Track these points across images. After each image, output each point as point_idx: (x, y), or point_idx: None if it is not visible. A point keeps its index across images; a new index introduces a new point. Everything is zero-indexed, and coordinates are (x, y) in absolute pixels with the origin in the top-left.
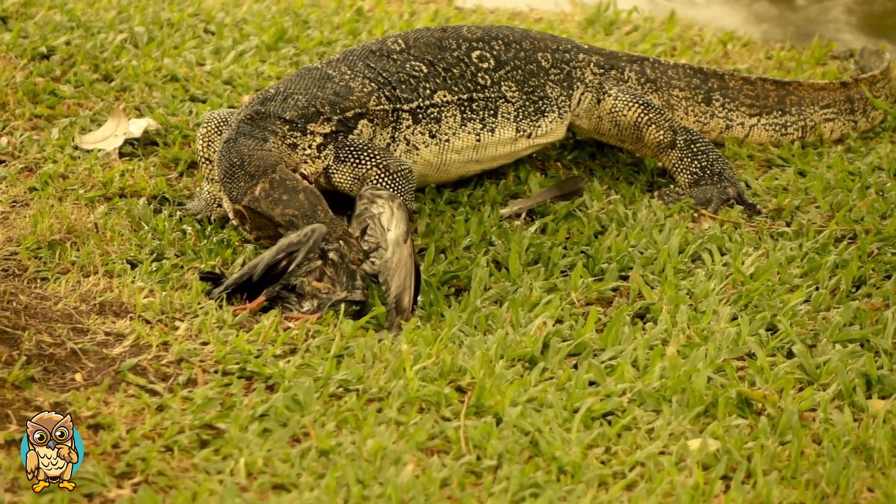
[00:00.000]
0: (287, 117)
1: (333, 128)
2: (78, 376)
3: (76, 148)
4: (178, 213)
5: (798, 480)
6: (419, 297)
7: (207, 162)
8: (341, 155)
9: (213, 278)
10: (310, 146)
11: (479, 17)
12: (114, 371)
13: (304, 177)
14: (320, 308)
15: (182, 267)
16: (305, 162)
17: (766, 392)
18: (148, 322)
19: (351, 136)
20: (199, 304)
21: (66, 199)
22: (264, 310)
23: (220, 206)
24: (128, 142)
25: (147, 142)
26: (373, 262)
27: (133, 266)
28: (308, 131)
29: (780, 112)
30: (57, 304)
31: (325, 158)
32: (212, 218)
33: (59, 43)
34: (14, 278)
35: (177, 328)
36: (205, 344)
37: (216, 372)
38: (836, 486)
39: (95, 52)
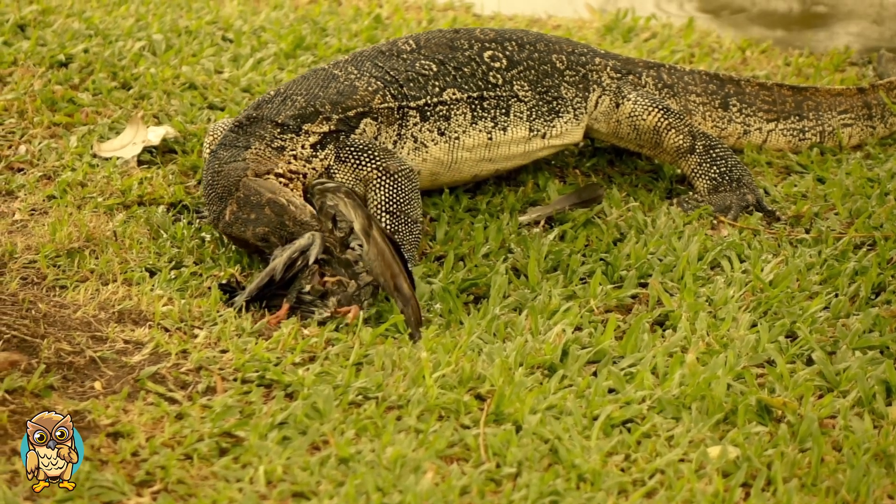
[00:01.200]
0: (279, 120)
1: (333, 127)
2: (97, 384)
3: (94, 156)
4: (197, 220)
5: (818, 488)
6: (413, 277)
7: None
8: (342, 155)
9: (230, 290)
10: (302, 147)
11: (498, 23)
12: (133, 379)
13: (280, 175)
14: (353, 300)
15: (201, 275)
16: (291, 163)
17: (786, 399)
18: (167, 330)
19: (353, 136)
20: (218, 311)
21: (85, 207)
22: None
23: None
24: (146, 150)
25: (165, 150)
26: (352, 250)
27: (152, 274)
28: (303, 132)
29: (797, 117)
30: (76, 312)
31: (326, 158)
32: None
33: (78, 51)
34: (33, 286)
35: (196, 336)
36: (224, 352)
37: (235, 380)
38: (857, 493)
39: (114, 59)
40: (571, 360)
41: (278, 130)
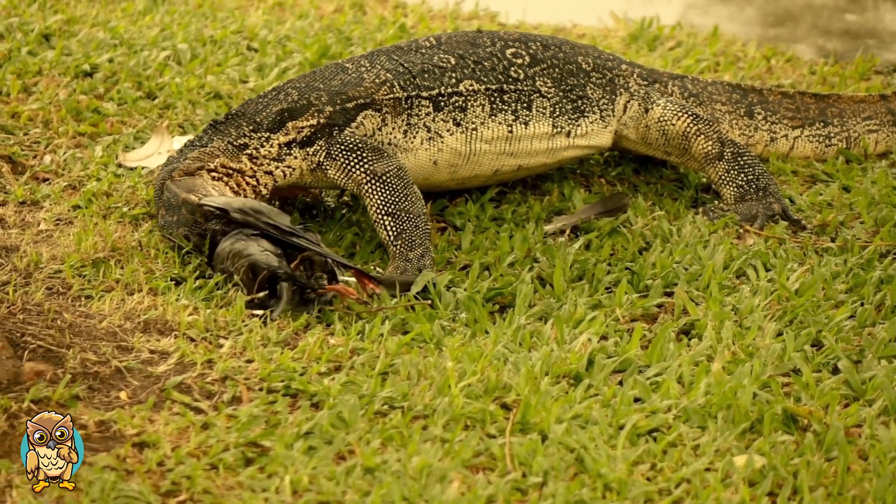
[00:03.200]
0: (258, 119)
1: (325, 120)
2: (123, 394)
3: (120, 166)
4: None
5: (844, 497)
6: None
7: None
8: (333, 152)
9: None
10: (271, 145)
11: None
12: (158, 389)
13: (213, 171)
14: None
15: (226, 284)
16: (242, 161)
17: (812, 408)
18: (192, 340)
19: (347, 130)
20: (243, 321)
21: (110, 216)
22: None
23: None
24: None
25: None
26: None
27: (177, 284)
28: (281, 129)
29: (822, 123)
30: (101, 322)
31: (316, 154)
32: None
33: (103, 60)
34: (58, 296)
35: (221, 346)
36: (249, 362)
37: (261, 390)
38: (883, 502)
39: (139, 69)
40: (597, 370)
41: (251, 128)
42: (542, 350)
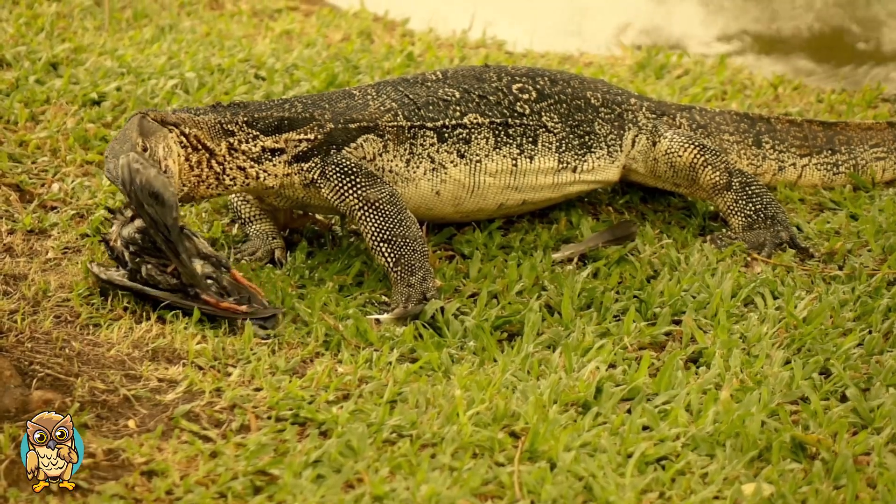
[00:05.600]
0: (256, 115)
1: (322, 137)
2: (131, 423)
3: None
4: (237, 255)
5: None
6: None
7: (245, 203)
8: (328, 172)
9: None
10: (255, 145)
11: (530, 61)
12: (167, 417)
13: (185, 135)
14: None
15: None
16: (234, 149)
17: (820, 436)
18: (200, 368)
19: (345, 150)
20: (251, 349)
21: None
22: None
23: (274, 238)
24: None
25: None
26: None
27: (185, 312)
28: (272, 135)
29: (830, 151)
30: (110, 350)
31: (311, 171)
32: (276, 256)
33: (110, 89)
34: (67, 325)
35: (229, 374)
36: (258, 390)
37: (269, 418)
38: None
39: (146, 97)
40: (605, 398)
41: (245, 121)
42: (550, 378)
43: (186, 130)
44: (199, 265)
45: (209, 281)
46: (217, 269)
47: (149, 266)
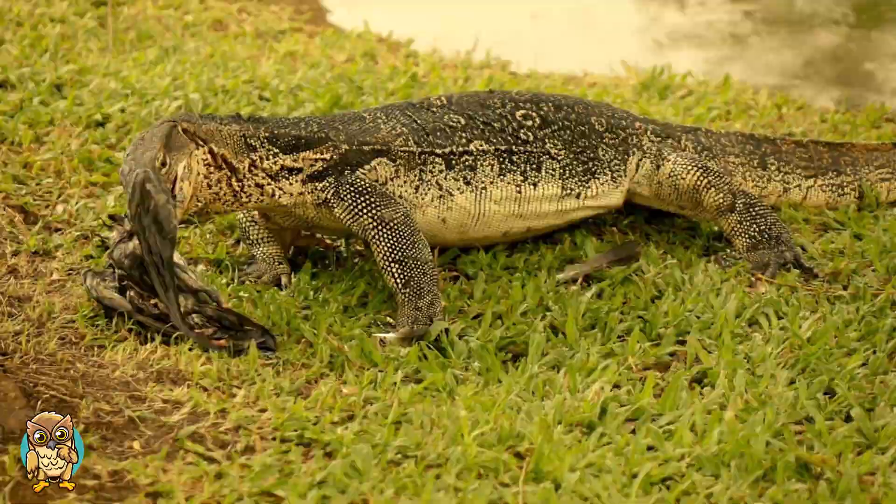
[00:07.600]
0: (276, 131)
1: (338, 157)
2: (136, 444)
3: None
4: (242, 277)
5: None
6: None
7: (254, 224)
8: (341, 192)
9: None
10: (275, 163)
11: (534, 82)
12: (172, 439)
13: (213, 154)
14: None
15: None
16: (255, 165)
17: (825, 456)
18: (205, 389)
19: (360, 171)
20: (256, 370)
21: None
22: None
23: (280, 263)
24: None
25: None
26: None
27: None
28: (289, 153)
29: (835, 172)
30: (114, 371)
31: (324, 191)
32: (282, 282)
33: (115, 110)
34: (71, 346)
35: (234, 395)
36: (263, 411)
37: (274, 439)
38: None
39: (151, 119)
40: (610, 418)
41: (266, 136)
42: (554, 399)
43: (215, 149)
44: (183, 300)
45: (193, 315)
46: (206, 304)
47: (131, 294)
